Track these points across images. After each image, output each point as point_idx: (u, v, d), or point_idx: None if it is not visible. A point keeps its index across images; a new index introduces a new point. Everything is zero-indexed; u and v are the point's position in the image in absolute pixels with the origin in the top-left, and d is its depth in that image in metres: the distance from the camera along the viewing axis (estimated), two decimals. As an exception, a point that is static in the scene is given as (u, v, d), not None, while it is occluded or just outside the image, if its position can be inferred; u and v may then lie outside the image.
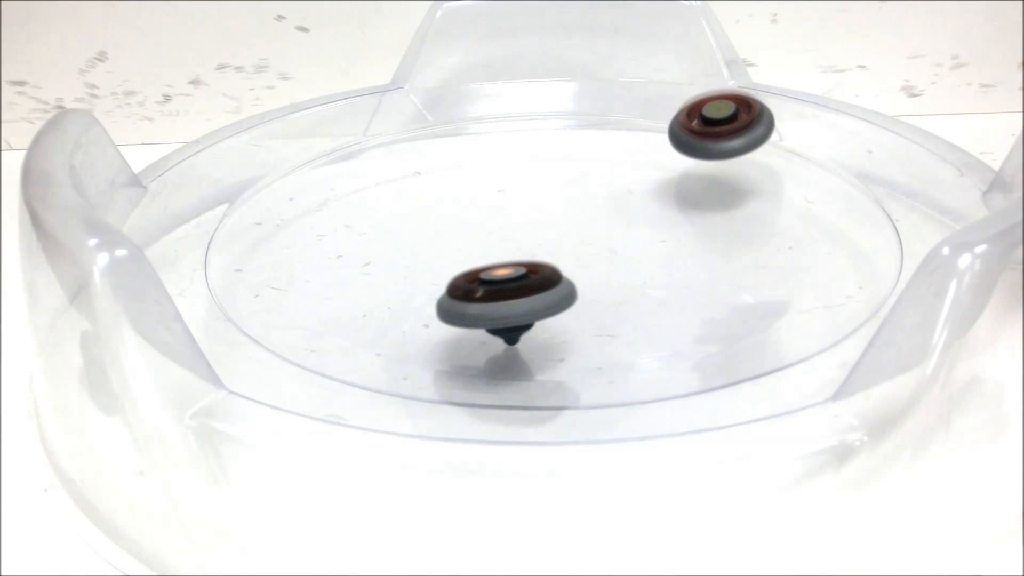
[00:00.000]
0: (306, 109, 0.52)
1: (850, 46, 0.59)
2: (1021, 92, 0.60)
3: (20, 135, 0.60)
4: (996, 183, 0.42)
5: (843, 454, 0.28)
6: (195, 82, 0.60)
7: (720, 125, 0.44)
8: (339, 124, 0.52)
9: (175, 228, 0.45)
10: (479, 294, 0.34)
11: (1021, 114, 0.59)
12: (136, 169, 0.45)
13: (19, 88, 0.59)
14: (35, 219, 0.34)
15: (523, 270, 0.35)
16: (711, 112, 0.45)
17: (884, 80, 0.60)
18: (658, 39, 0.54)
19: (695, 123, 0.45)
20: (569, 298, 0.35)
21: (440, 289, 0.35)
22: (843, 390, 0.29)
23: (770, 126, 0.45)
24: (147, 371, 0.30)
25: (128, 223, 0.42)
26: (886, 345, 0.30)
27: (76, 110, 0.44)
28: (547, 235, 0.45)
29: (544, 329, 0.39)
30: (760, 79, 0.54)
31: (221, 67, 0.59)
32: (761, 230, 0.45)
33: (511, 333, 0.36)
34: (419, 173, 0.50)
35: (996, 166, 0.43)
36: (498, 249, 0.43)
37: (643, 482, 0.29)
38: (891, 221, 0.43)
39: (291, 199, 0.48)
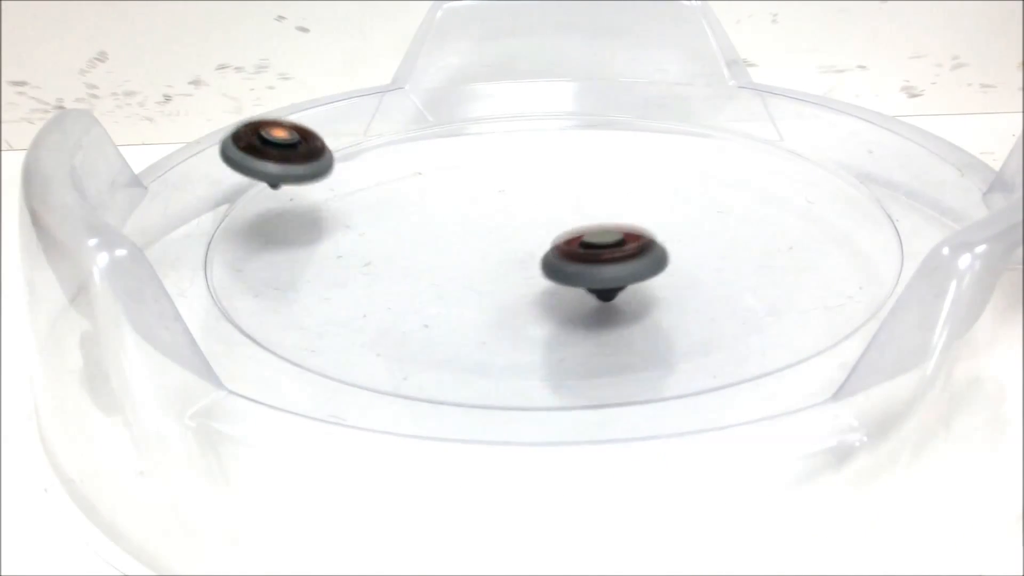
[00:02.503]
0: (306, 109, 0.52)
1: (850, 46, 0.59)
2: (1021, 92, 0.60)
3: (20, 135, 0.60)
4: (996, 183, 0.42)
5: (843, 454, 0.28)
6: (195, 82, 0.60)
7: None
8: (340, 124, 0.52)
9: (175, 228, 0.45)
10: (581, 256, 0.37)
11: (1021, 114, 0.59)
12: (136, 169, 0.45)
13: (19, 88, 0.59)
14: (35, 219, 0.34)
15: (620, 235, 0.37)
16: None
17: (884, 80, 0.60)
18: (658, 39, 0.54)
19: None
20: (658, 264, 0.37)
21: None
22: (843, 390, 0.29)
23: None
24: (147, 371, 0.30)
25: (128, 223, 0.42)
26: (886, 345, 0.30)
27: (76, 110, 0.44)
28: (547, 235, 0.45)
29: (544, 329, 0.39)
30: (760, 79, 0.54)
31: (221, 67, 0.59)
32: (761, 230, 0.45)
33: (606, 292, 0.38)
34: (419, 173, 0.50)
35: (996, 166, 0.43)
36: (498, 249, 0.43)
37: (643, 482, 0.29)
38: (891, 221, 0.43)
39: (291, 199, 0.48)
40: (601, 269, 0.36)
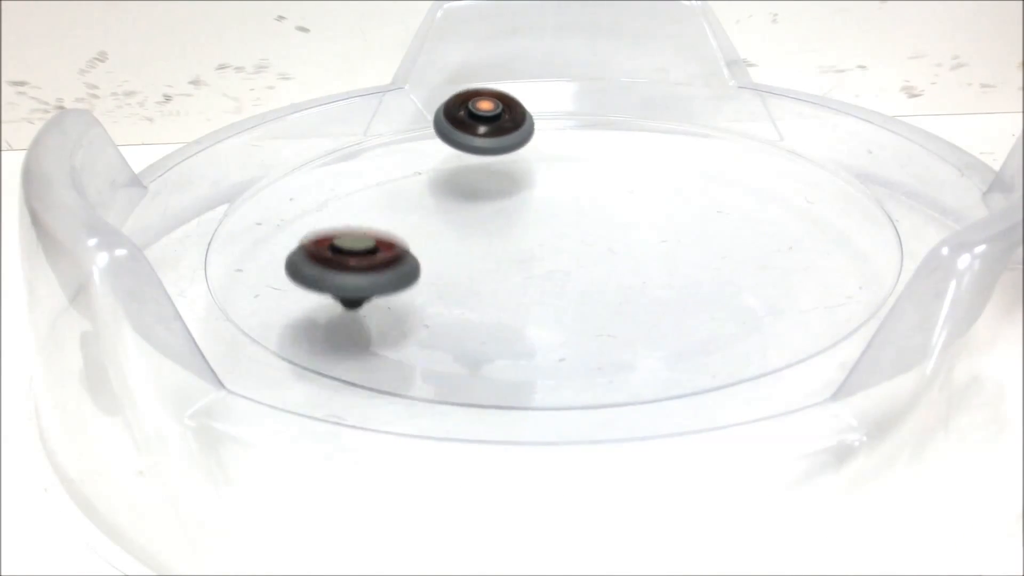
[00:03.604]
0: (307, 109, 0.52)
1: (850, 46, 0.59)
2: (1021, 92, 0.60)
3: (20, 135, 0.60)
4: (996, 183, 0.42)
5: (842, 454, 0.28)
6: (195, 82, 0.60)
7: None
8: (340, 124, 0.52)
9: (175, 228, 0.45)
10: (327, 259, 0.35)
11: (1021, 114, 0.59)
12: (136, 169, 0.45)
13: (19, 88, 0.59)
14: (35, 219, 0.34)
15: (372, 242, 0.36)
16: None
17: (884, 80, 0.60)
18: (658, 39, 0.54)
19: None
20: (407, 278, 0.36)
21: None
22: (843, 390, 0.29)
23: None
24: (147, 371, 0.30)
25: (128, 223, 0.42)
26: (886, 345, 0.30)
27: (76, 110, 0.44)
28: (547, 235, 0.45)
29: (544, 329, 0.39)
30: (760, 79, 0.54)
31: (221, 67, 0.59)
32: (761, 230, 0.45)
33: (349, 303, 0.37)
34: (420, 173, 0.50)
35: (996, 166, 0.43)
36: (498, 249, 0.43)
37: (643, 482, 0.29)
38: (891, 221, 0.43)
39: (291, 199, 0.48)
40: (345, 277, 0.35)
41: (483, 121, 0.46)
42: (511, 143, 0.47)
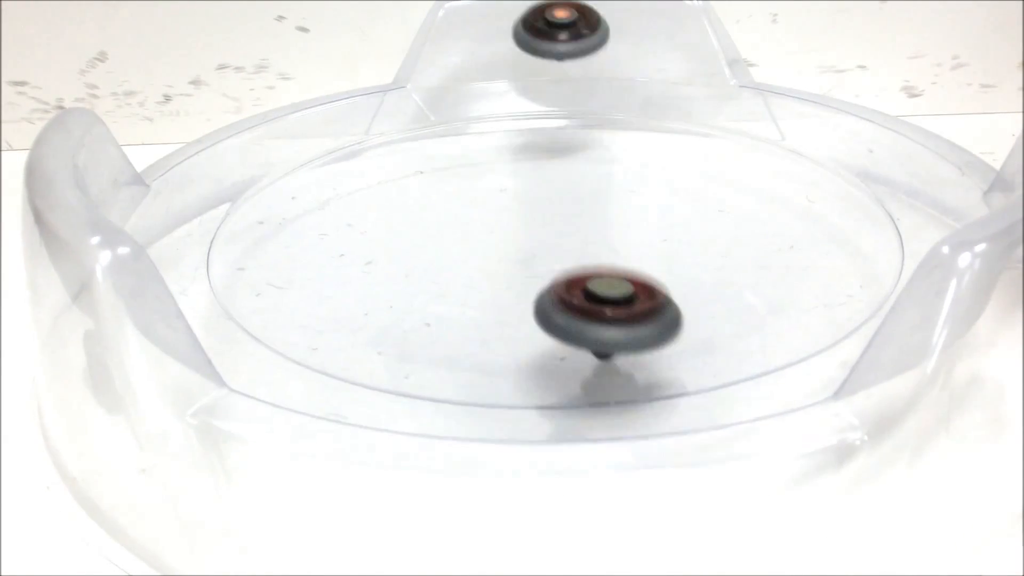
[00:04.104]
0: (308, 108, 0.52)
1: (850, 46, 0.59)
2: (1021, 92, 0.60)
3: (20, 135, 0.60)
4: (997, 183, 0.42)
5: (843, 453, 0.28)
6: (195, 82, 0.60)
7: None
8: (341, 123, 0.52)
9: (177, 227, 0.45)
10: (580, 306, 0.32)
11: (1021, 114, 0.59)
12: (137, 169, 0.45)
13: (19, 88, 0.59)
14: (38, 218, 0.34)
15: (629, 287, 0.32)
16: None
17: (884, 80, 0.60)
18: (659, 39, 0.54)
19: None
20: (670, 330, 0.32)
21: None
22: (844, 389, 0.29)
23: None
24: (149, 369, 0.30)
25: (130, 222, 0.42)
26: (886, 344, 0.30)
27: (79, 109, 0.44)
28: (548, 234, 0.45)
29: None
30: (760, 79, 0.54)
31: (221, 67, 0.59)
32: (761, 230, 0.45)
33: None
34: (421, 172, 0.50)
35: (996, 166, 0.43)
36: (499, 248, 0.43)
37: (643, 482, 0.29)
38: (892, 220, 0.43)
39: (293, 198, 0.48)
40: (603, 330, 0.31)
41: (561, 28, 0.48)
42: (590, 46, 0.49)
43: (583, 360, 0.37)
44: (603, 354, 0.33)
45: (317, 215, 0.47)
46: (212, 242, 0.43)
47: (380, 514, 0.30)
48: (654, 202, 0.48)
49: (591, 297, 0.32)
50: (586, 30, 0.49)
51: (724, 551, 0.29)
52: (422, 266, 0.43)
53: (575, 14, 0.49)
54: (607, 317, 0.31)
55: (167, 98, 0.60)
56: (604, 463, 0.29)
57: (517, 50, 0.50)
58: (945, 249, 0.30)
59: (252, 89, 0.60)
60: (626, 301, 0.31)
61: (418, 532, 0.29)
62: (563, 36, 0.48)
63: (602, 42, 0.49)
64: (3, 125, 0.60)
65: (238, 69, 0.59)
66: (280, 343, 0.37)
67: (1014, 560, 0.31)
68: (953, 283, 0.29)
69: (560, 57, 0.49)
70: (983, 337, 0.31)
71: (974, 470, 0.31)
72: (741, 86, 0.52)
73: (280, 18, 0.58)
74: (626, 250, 0.43)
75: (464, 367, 0.37)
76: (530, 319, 0.39)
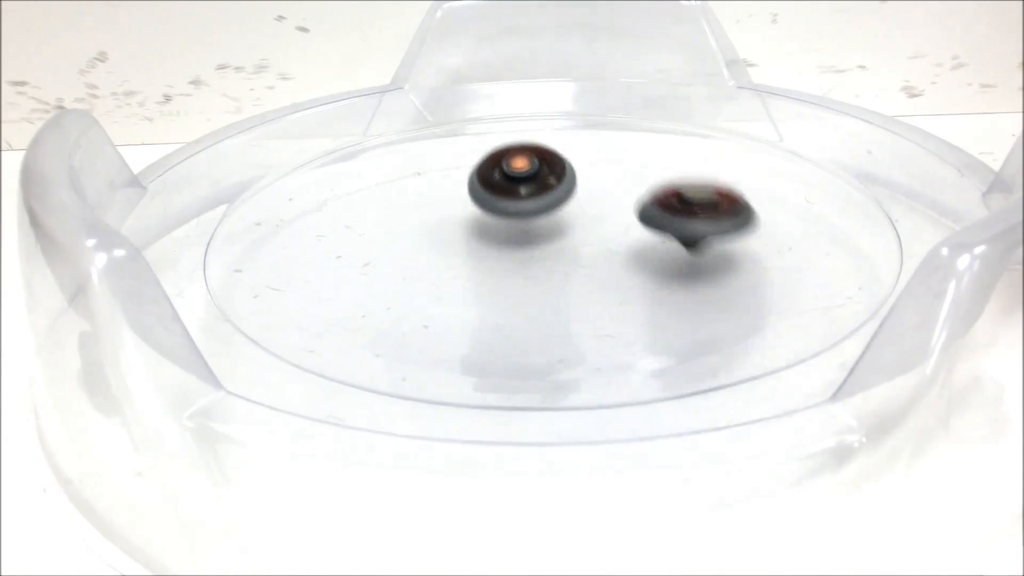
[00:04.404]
0: (306, 109, 0.52)
1: (850, 46, 0.59)
2: (1021, 92, 0.60)
3: (20, 135, 0.60)
4: (996, 184, 0.42)
5: (842, 455, 0.28)
6: (195, 82, 0.60)
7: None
8: (339, 124, 0.52)
9: (174, 229, 0.45)
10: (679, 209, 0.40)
11: (1021, 114, 0.59)
12: (136, 169, 0.45)
13: (19, 88, 0.59)
14: (34, 219, 0.34)
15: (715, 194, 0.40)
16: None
17: (884, 80, 0.60)
18: (658, 39, 0.54)
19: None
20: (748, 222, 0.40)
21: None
22: (842, 391, 0.29)
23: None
24: (145, 372, 0.30)
25: (127, 224, 0.42)
26: (885, 346, 0.30)
27: (75, 110, 0.44)
28: (547, 235, 0.45)
29: (544, 329, 0.39)
30: (760, 79, 0.54)
31: (221, 67, 0.59)
32: (761, 230, 0.45)
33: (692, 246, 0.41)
34: (419, 173, 0.50)
35: (996, 166, 0.43)
36: (497, 249, 0.43)
37: (642, 482, 0.29)
38: (891, 222, 0.43)
39: (290, 199, 0.48)
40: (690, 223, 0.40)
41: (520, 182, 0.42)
42: (556, 199, 0.43)
43: (583, 361, 0.37)
44: (691, 242, 0.41)
45: (315, 216, 0.47)
46: (209, 244, 0.43)
47: (378, 516, 0.30)
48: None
49: (682, 200, 0.40)
50: (552, 180, 0.43)
51: (722, 552, 0.29)
52: (420, 268, 0.43)
53: (535, 163, 0.42)
54: (696, 214, 0.40)
55: (167, 98, 0.60)
56: (603, 465, 0.29)
57: (516, 50, 0.50)
58: (944, 251, 0.30)
59: (252, 89, 0.60)
60: (712, 204, 0.40)
61: (416, 534, 0.29)
62: (524, 191, 0.42)
63: (569, 193, 0.43)
64: (3, 125, 0.60)
65: (238, 69, 0.59)
66: (277, 345, 0.37)
67: (1014, 560, 0.31)
68: (952, 285, 0.29)
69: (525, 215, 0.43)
70: (982, 338, 0.30)
71: (973, 471, 0.31)
72: (739, 87, 0.52)
73: (280, 18, 0.58)
74: (625, 250, 0.43)
75: (462, 369, 0.37)
76: (529, 320, 0.39)
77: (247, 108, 0.60)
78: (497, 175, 0.42)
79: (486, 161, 0.43)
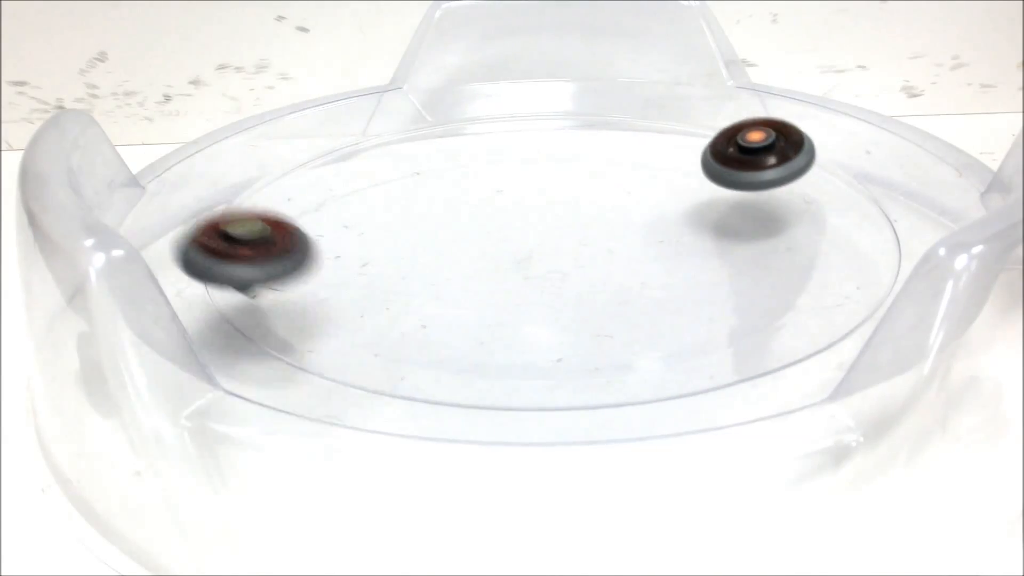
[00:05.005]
0: (305, 109, 0.52)
1: (850, 46, 0.59)
2: (1021, 92, 0.60)
3: (20, 135, 0.60)
4: (995, 184, 0.42)
5: (840, 455, 0.28)
6: (195, 82, 0.60)
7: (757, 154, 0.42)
8: (338, 124, 0.52)
9: (173, 229, 0.45)
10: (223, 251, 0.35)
11: (1021, 114, 0.59)
12: (136, 169, 0.45)
13: (19, 88, 0.59)
14: (32, 220, 0.34)
15: (267, 228, 0.35)
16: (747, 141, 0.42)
17: (884, 80, 0.60)
18: (657, 39, 0.54)
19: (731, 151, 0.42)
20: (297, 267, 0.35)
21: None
22: (840, 390, 0.29)
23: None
24: (143, 371, 0.30)
25: (125, 224, 0.42)
26: (883, 346, 0.30)
27: (74, 111, 0.44)
28: (545, 235, 0.45)
29: (542, 329, 0.39)
30: (760, 79, 0.54)
31: (221, 67, 0.59)
32: (760, 230, 0.45)
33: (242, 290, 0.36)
34: (418, 173, 0.50)
35: (996, 166, 0.43)
36: (496, 249, 0.43)
37: (640, 482, 0.29)
38: (889, 222, 0.43)
39: (289, 199, 0.48)
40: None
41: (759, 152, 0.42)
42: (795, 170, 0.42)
43: (581, 361, 0.37)
44: (242, 287, 0.35)
45: (313, 216, 0.47)
46: (208, 244, 0.43)
47: (376, 516, 0.30)
48: (652, 202, 0.48)
49: (228, 239, 0.34)
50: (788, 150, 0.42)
51: (721, 552, 0.29)
52: (418, 268, 0.43)
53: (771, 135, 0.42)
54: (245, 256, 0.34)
55: (167, 98, 0.60)
56: (600, 465, 0.29)
57: (515, 50, 0.50)
58: (942, 251, 0.30)
59: (252, 89, 0.60)
60: (262, 241, 0.35)
61: (414, 533, 0.29)
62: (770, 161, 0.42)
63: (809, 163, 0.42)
64: (3, 125, 0.60)
65: (238, 69, 0.59)
66: (275, 345, 0.37)
67: (1014, 560, 0.31)
68: (950, 285, 0.29)
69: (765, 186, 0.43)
70: (980, 338, 0.30)
71: (971, 471, 0.31)
72: (738, 87, 0.52)
73: (280, 18, 0.58)
74: (623, 250, 0.43)
75: (460, 369, 0.37)
76: (527, 320, 0.39)
77: (247, 108, 0.60)
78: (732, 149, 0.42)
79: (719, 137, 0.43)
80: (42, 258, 0.34)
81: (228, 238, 0.34)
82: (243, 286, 0.35)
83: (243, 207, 0.36)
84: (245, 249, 0.34)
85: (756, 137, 0.42)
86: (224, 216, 0.35)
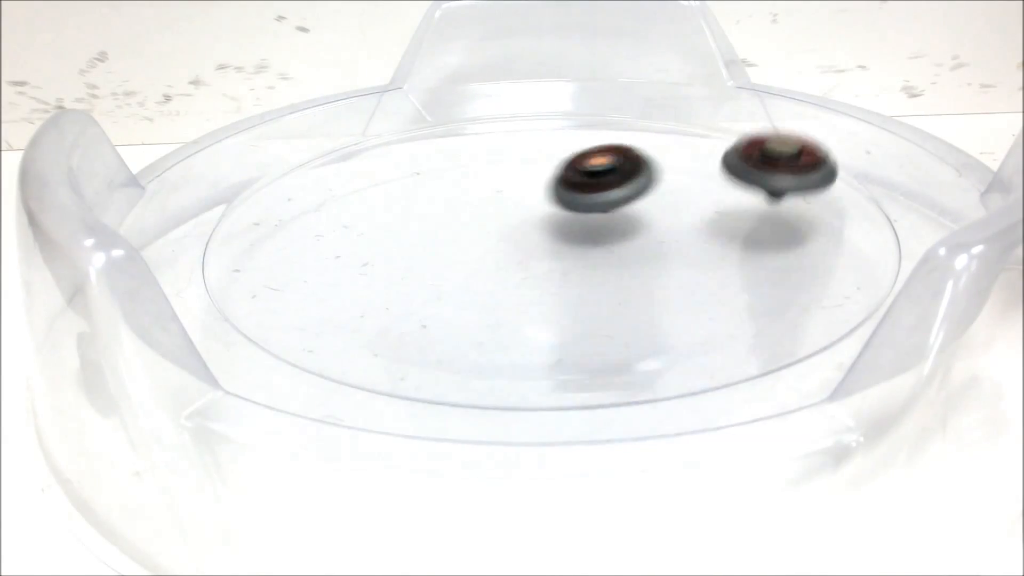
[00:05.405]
0: (305, 109, 0.52)
1: (850, 46, 0.59)
2: (1021, 92, 0.60)
3: (20, 135, 0.60)
4: (995, 184, 0.42)
5: (839, 455, 0.28)
6: (195, 82, 0.60)
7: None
8: (338, 124, 0.52)
9: (173, 229, 0.45)
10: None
11: (1021, 114, 0.59)
12: (136, 169, 0.45)
13: (19, 88, 0.59)
14: (32, 220, 0.34)
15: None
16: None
17: (884, 80, 0.60)
18: (657, 39, 0.54)
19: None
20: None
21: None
22: (840, 391, 0.29)
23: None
24: (144, 372, 0.30)
25: (125, 224, 0.42)
26: (883, 346, 0.30)
27: (73, 110, 0.44)
28: (546, 236, 0.45)
29: (543, 329, 0.39)
30: (760, 79, 0.54)
31: (221, 67, 0.59)
32: (759, 230, 0.45)
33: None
34: (418, 173, 0.50)
35: (996, 166, 0.43)
36: (497, 249, 0.43)
37: (640, 482, 0.29)
38: (889, 222, 0.43)
39: (289, 199, 0.48)
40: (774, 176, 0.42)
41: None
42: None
43: (581, 361, 0.37)
44: (774, 194, 0.42)
45: (313, 216, 0.47)
46: (207, 244, 0.43)
47: (376, 516, 0.30)
48: (652, 202, 0.47)
49: (765, 153, 0.42)
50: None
51: (720, 553, 0.29)
52: (419, 268, 0.43)
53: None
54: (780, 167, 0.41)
55: (167, 98, 0.60)
56: (600, 465, 0.29)
57: (515, 50, 0.50)
58: (942, 251, 0.30)
59: (252, 89, 0.60)
60: (794, 157, 0.42)
61: (415, 533, 0.29)
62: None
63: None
64: (3, 125, 0.60)
65: (238, 69, 0.59)
66: (276, 345, 0.37)
67: (1014, 560, 0.31)
68: (950, 285, 0.29)
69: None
70: (980, 338, 0.30)
71: (971, 471, 0.31)
72: (738, 87, 0.52)
73: (280, 18, 0.58)
74: (623, 250, 0.43)
75: (461, 369, 0.37)
76: (528, 320, 0.39)
77: (247, 108, 0.60)
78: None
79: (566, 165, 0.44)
80: (42, 258, 0.34)
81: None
82: (774, 193, 0.42)
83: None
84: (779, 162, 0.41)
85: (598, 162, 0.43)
86: (765, 134, 0.43)
